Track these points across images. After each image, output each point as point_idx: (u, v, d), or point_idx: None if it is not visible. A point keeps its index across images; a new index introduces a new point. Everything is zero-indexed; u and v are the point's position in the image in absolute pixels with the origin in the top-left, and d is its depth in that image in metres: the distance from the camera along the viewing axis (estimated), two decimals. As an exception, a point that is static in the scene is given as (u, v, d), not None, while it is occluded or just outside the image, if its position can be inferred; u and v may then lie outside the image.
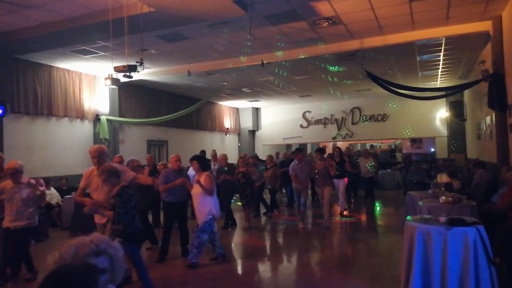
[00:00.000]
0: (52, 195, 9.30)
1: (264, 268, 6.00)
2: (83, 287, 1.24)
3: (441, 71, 12.05)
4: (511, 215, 5.39)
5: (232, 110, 18.33)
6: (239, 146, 18.71)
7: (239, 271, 5.94)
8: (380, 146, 25.40)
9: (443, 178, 8.49)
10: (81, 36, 7.75)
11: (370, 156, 13.14)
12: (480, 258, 3.96)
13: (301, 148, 9.85)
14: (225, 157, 9.02)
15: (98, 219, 4.78)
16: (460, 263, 4.02)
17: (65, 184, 9.81)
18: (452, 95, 11.83)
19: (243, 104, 17.76)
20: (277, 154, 15.22)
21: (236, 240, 7.89)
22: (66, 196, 9.21)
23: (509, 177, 5.84)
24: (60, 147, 10.16)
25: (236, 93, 14.90)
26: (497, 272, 4.08)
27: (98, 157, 4.80)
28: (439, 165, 12.40)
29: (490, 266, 3.98)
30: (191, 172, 7.33)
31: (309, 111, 18.01)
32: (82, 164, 9.36)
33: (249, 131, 18.82)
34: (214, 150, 10.51)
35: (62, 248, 1.65)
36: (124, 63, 7.20)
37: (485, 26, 7.86)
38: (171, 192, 6.23)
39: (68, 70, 10.42)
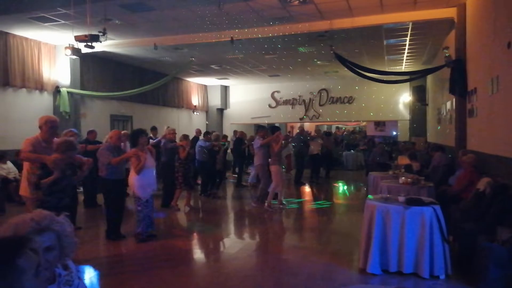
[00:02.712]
0: (9, 169, 8.91)
1: (226, 245, 6.04)
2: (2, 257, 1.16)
3: (407, 56, 12.31)
4: (465, 196, 5.68)
5: (200, 87, 18.04)
6: (206, 124, 18.51)
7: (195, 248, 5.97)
8: (345, 128, 25.88)
9: (403, 160, 8.79)
10: (40, 2, 7.30)
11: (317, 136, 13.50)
12: (435, 236, 4.16)
13: (264, 126, 9.87)
14: (173, 131, 8.72)
15: (23, 191, 4.59)
16: (416, 240, 4.21)
17: (23, 158, 9.38)
18: (416, 79, 12.12)
19: (212, 81, 17.51)
20: (235, 132, 14.93)
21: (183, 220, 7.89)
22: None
23: (465, 160, 6.12)
24: (18, 119, 9.66)
25: (204, 70, 14.64)
26: (450, 250, 4.30)
27: (56, 128, 4.71)
28: (400, 147, 12.80)
29: (444, 243, 4.19)
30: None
31: (277, 91, 18.01)
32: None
33: (217, 109, 18.63)
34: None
35: (1, 228, 1.56)
36: (86, 33, 6.87)
37: (450, 12, 8.05)
38: (114, 169, 5.86)
39: (26, 38, 9.83)
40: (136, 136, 5.96)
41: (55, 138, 4.76)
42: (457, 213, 5.19)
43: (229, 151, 13.65)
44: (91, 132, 8.78)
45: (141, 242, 5.81)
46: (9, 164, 8.94)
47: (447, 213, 4.78)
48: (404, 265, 4.22)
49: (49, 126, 4.60)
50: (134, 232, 6.00)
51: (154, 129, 11.03)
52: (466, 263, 4.30)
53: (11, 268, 1.16)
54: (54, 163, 4.24)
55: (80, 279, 1.90)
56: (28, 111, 9.91)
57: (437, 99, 11.99)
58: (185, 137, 8.51)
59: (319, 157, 12.86)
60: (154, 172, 6.14)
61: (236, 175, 12.47)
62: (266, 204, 8.27)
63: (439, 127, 11.65)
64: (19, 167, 9.03)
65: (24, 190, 4.58)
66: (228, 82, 17.73)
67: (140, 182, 5.82)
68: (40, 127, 4.60)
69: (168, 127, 10.37)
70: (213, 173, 10.20)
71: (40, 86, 10.24)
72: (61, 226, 1.69)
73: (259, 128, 9.51)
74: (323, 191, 11.45)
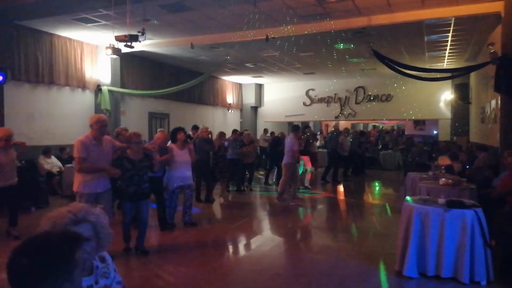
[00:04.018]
0: (53, 163, 9.32)
1: (259, 242, 6.05)
2: (61, 252, 1.21)
3: (449, 53, 11.84)
4: (510, 200, 5.38)
5: (235, 85, 18.17)
6: (241, 122, 18.63)
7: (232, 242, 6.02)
8: (382, 127, 25.29)
9: (444, 160, 8.46)
10: (83, 3, 7.59)
11: (349, 135, 13.37)
12: (476, 241, 3.98)
13: (298, 125, 9.99)
14: (206, 129, 8.92)
15: (75, 187, 4.78)
16: (456, 244, 4.04)
17: (67, 153, 9.78)
18: (458, 77, 11.67)
19: (246, 79, 17.58)
20: (266, 130, 15.69)
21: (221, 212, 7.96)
22: (67, 165, 9.22)
23: (510, 162, 5.80)
24: (61, 116, 10.12)
25: (239, 68, 14.73)
26: (492, 255, 4.10)
27: (106, 127, 4.92)
28: (440, 147, 12.35)
29: (486, 249, 4.00)
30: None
31: (312, 89, 17.84)
32: (83, 134, 9.31)
33: (251, 107, 18.70)
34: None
35: (41, 222, 1.62)
36: (126, 33, 7.07)
37: (496, 7, 7.65)
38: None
39: (70, 39, 10.26)
40: (175, 133, 6.56)
41: (105, 136, 4.96)
42: (500, 217, 4.93)
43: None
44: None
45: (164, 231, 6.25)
46: (53, 159, 9.36)
47: (490, 216, 4.56)
48: (442, 269, 4.06)
49: (100, 125, 4.80)
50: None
51: (195, 127, 11.16)
52: (509, 269, 4.09)
53: (71, 262, 1.22)
54: (113, 174, 4.79)
55: (116, 271, 1.95)
56: (71, 108, 10.37)
57: (481, 97, 11.47)
58: (221, 134, 9.11)
59: (348, 157, 12.95)
60: (188, 167, 6.57)
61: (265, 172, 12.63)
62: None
63: (483, 126, 11.14)
64: (63, 162, 9.46)
65: (76, 186, 4.79)
66: (263, 80, 17.74)
67: (170, 174, 6.43)
68: (91, 126, 4.81)
69: (203, 125, 10.55)
70: (242, 170, 10.40)
71: (82, 84, 10.66)
72: (97, 217, 1.74)
73: (294, 127, 9.48)
74: (358, 190, 11.24)
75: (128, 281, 4.18)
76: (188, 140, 7.26)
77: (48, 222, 1.63)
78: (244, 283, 4.38)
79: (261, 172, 13.89)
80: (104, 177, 4.85)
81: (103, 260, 1.90)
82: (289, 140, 8.91)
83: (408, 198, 4.77)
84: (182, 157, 6.47)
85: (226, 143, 9.71)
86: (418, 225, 4.19)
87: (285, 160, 8.89)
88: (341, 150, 12.47)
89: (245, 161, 10.27)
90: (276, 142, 11.33)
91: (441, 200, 4.35)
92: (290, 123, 19.15)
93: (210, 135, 8.99)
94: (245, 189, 10.32)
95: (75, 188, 4.82)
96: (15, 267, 1.18)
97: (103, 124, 4.83)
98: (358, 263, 4.90)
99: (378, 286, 4.23)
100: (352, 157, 13.33)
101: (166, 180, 6.52)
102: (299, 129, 9.47)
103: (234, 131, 10.87)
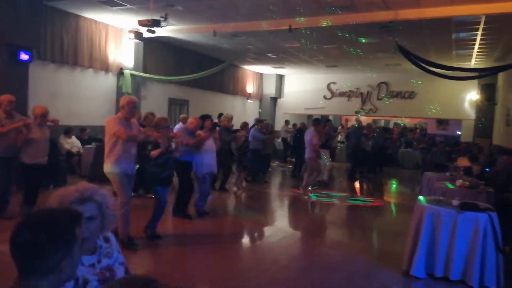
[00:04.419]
0: (73, 143, 9.53)
1: (269, 233, 6.07)
2: (61, 227, 1.26)
3: (477, 51, 11.49)
4: (529, 205, 5.24)
5: (255, 75, 18.10)
6: (260, 112, 18.59)
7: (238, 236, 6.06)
8: (405, 124, 24.83)
9: (463, 161, 8.28)
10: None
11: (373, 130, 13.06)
12: (488, 245, 3.91)
13: (318, 119, 9.89)
14: (227, 119, 8.92)
15: (106, 168, 4.82)
16: (467, 247, 3.98)
17: (87, 134, 9.98)
18: (485, 77, 11.33)
19: (267, 69, 17.49)
20: (287, 122, 15.81)
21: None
22: (87, 146, 9.42)
23: (532, 167, 5.63)
24: (84, 97, 10.31)
25: (261, 58, 14.65)
26: (504, 261, 4.01)
27: (136, 108, 5.13)
28: (461, 148, 12.07)
29: (498, 254, 3.92)
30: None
31: (334, 83, 17.61)
32: (104, 116, 9.40)
33: (271, 97, 18.62)
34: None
35: (49, 199, 1.67)
36: (150, 18, 7.11)
37: (529, 5, 7.36)
38: (188, 150, 6.26)
39: (95, 21, 10.38)
40: (202, 120, 6.66)
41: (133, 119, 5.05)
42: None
43: (279, 140, 14.23)
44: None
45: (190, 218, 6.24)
46: (74, 139, 9.56)
47: (509, 221, 4.45)
48: (451, 271, 4.00)
49: (131, 107, 4.87)
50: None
51: (220, 116, 11.27)
52: (522, 276, 4.00)
53: (71, 238, 1.28)
54: (168, 135, 4.95)
55: (120, 252, 1.99)
56: (93, 90, 10.56)
57: (508, 99, 11.12)
58: (245, 125, 9.07)
59: (372, 152, 12.55)
60: (214, 155, 6.64)
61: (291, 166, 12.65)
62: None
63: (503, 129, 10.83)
64: (83, 142, 9.67)
65: (110, 166, 4.76)
66: (284, 71, 17.63)
67: (199, 160, 6.40)
68: (122, 107, 4.86)
69: (227, 114, 10.54)
70: (264, 161, 10.40)
71: (105, 67, 10.81)
72: (103, 198, 1.77)
73: (315, 121, 9.40)
74: (373, 188, 11.12)
75: (137, 264, 4.29)
76: (215, 128, 7.30)
77: (55, 200, 1.68)
78: (254, 272, 4.41)
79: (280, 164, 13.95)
80: (133, 160, 4.95)
81: (107, 240, 1.94)
82: (309, 134, 8.86)
83: (420, 198, 4.70)
84: (209, 144, 6.53)
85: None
86: (429, 226, 4.13)
87: (307, 154, 8.88)
88: (365, 144, 12.14)
89: (263, 152, 10.26)
90: (299, 133, 11.27)
91: (455, 202, 4.26)
92: (309, 116, 19.02)
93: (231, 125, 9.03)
94: (261, 180, 10.32)
95: (108, 168, 4.71)
96: (18, 240, 1.23)
97: (134, 105, 4.93)
98: (366, 260, 4.87)
99: (384, 284, 4.20)
100: (376, 154, 12.97)
101: (194, 165, 6.48)
102: (320, 122, 9.40)
103: (259, 121, 10.86)
